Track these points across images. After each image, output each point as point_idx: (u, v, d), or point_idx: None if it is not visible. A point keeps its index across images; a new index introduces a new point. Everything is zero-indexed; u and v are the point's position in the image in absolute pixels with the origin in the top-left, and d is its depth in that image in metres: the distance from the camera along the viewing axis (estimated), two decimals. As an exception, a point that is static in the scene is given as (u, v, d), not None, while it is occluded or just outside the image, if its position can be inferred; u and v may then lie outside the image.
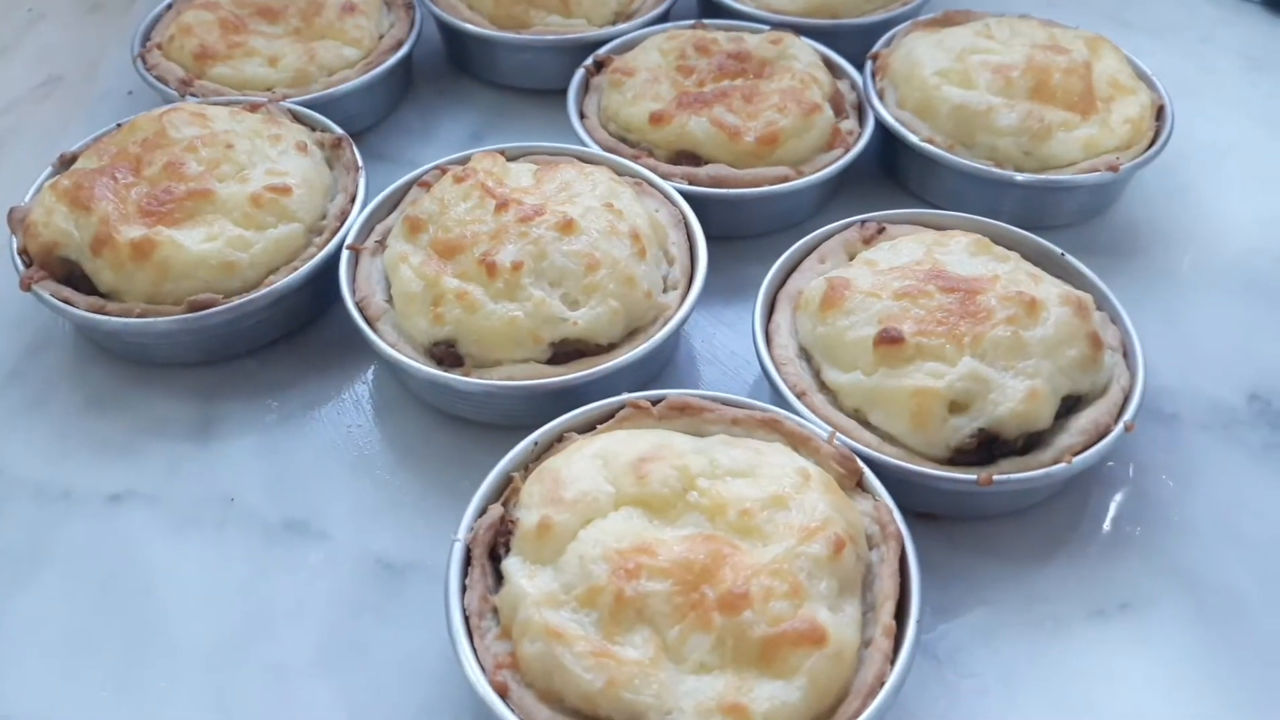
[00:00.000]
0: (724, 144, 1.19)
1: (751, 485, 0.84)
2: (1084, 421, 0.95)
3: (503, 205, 1.05)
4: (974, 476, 0.91)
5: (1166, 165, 1.27)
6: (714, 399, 0.94)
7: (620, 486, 0.84)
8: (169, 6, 1.42)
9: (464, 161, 1.15)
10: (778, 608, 0.75)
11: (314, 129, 1.23)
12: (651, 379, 1.08)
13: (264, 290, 1.04)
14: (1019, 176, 1.18)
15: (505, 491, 0.88)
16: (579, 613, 0.77)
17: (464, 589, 0.80)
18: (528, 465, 0.91)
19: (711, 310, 1.16)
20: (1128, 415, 0.95)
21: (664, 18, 1.41)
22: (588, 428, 0.93)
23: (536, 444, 0.91)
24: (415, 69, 1.45)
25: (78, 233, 1.05)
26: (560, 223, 1.03)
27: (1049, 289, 0.99)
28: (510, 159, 1.16)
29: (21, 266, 1.07)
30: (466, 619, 0.79)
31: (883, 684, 0.75)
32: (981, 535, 0.97)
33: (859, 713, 0.74)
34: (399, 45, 1.36)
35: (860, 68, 1.33)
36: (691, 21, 1.38)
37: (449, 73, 1.48)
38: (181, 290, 1.03)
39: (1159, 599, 0.93)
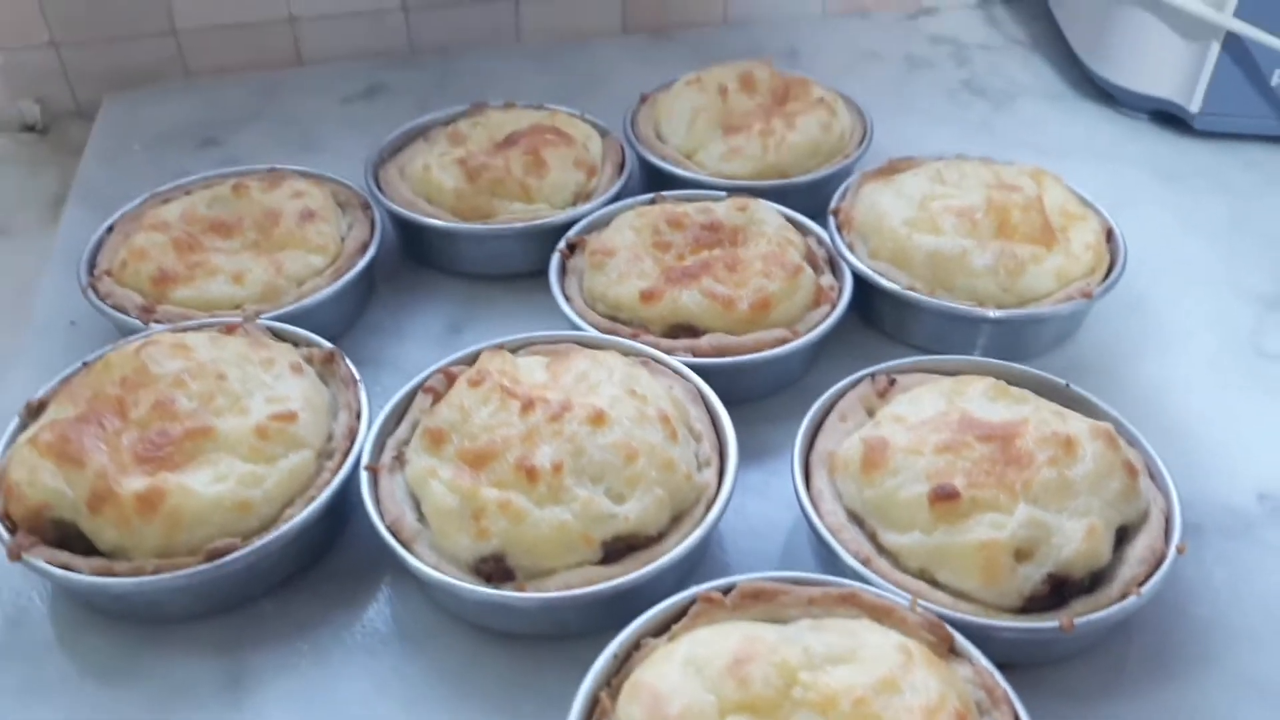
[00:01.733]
0: (718, 314, 1.20)
1: (856, 671, 0.82)
2: (1139, 550, 0.96)
3: (528, 405, 1.02)
4: (1055, 624, 0.91)
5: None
6: (784, 580, 0.92)
7: (721, 694, 0.81)
8: (109, 230, 1.36)
9: (470, 361, 1.12)
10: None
11: (297, 344, 1.18)
12: (699, 560, 1.06)
13: (286, 527, 0.98)
14: (999, 314, 1.23)
15: (594, 714, 0.84)
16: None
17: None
18: (610, 680, 0.86)
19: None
20: (1176, 537, 0.97)
21: (619, 196, 1.42)
22: (661, 629, 0.90)
23: (616, 656, 0.87)
24: (374, 268, 1.42)
25: (70, 491, 0.97)
26: (591, 415, 1.01)
27: (1076, 424, 1.02)
28: (512, 351, 1.15)
29: (4, 533, 0.98)
30: None
31: None
32: (1057, 678, 0.97)
33: None
34: (363, 247, 1.34)
35: (821, 223, 1.37)
36: (650, 196, 1.40)
37: (408, 268, 1.46)
38: (195, 539, 0.96)
39: (1242, 713, 0.94)
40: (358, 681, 0.97)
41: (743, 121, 1.51)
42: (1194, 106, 1.65)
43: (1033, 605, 0.94)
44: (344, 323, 1.34)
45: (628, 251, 1.27)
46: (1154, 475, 1.04)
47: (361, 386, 1.12)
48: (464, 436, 1.02)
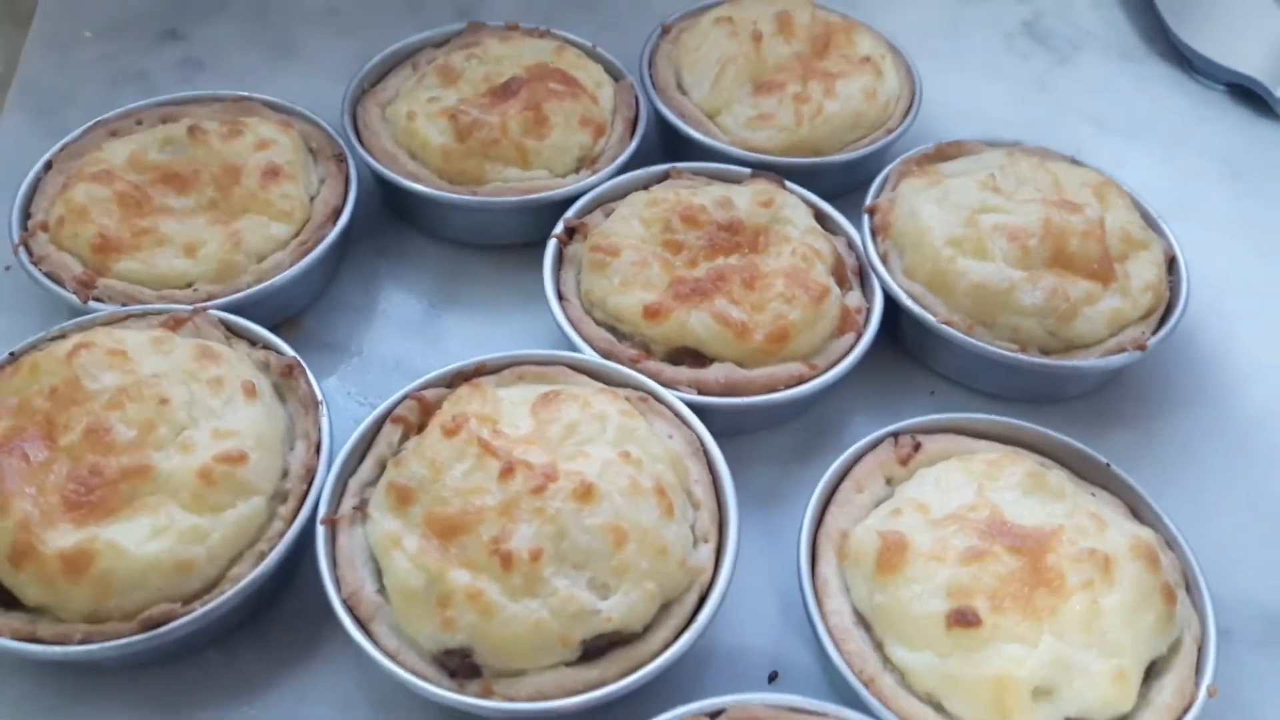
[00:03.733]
0: (730, 342, 1.07)
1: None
2: (1167, 695, 0.88)
3: (508, 471, 0.90)
4: (1068, 780, 0.83)
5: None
6: (777, 707, 0.83)
7: None
8: (48, 167, 1.20)
9: (447, 383, 1.00)
10: None
11: (254, 343, 1.05)
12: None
13: (231, 591, 0.88)
14: (1042, 362, 1.10)
15: None
16: None
17: None
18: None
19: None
20: (1208, 677, 0.89)
21: (628, 166, 1.26)
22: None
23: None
24: (351, 224, 1.27)
25: (-12, 537, 0.87)
26: (578, 490, 0.89)
27: (1116, 538, 0.92)
28: (493, 370, 1.02)
29: (-85, 572, 0.88)
30: None
31: None
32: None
33: None
34: (335, 212, 1.18)
35: (854, 214, 1.22)
36: (664, 169, 1.24)
37: (389, 227, 1.30)
38: (129, 603, 0.86)
39: None
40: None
41: (776, 76, 1.33)
42: (1278, 88, 1.47)
43: (1047, 751, 0.86)
44: (308, 297, 1.20)
45: (634, 253, 1.12)
46: (1191, 587, 0.95)
47: (324, 410, 1.00)
48: (434, 499, 0.90)
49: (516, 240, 1.25)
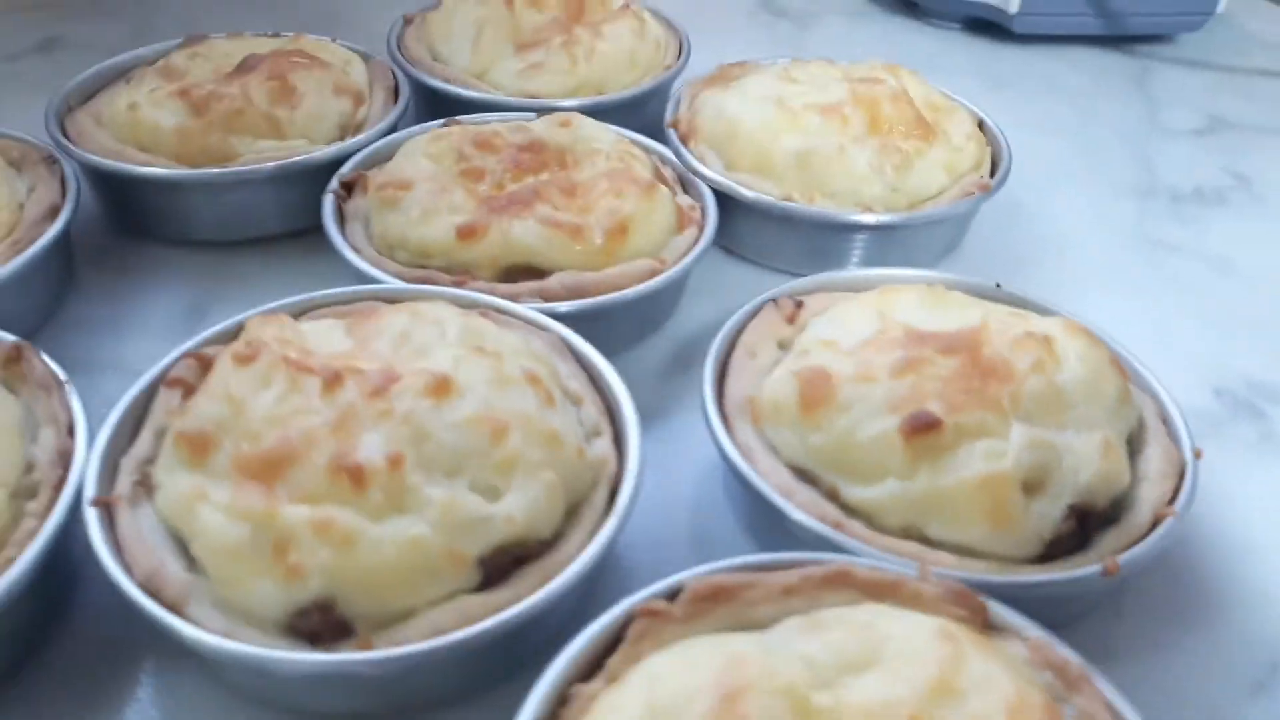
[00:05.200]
0: (564, 246, 0.92)
1: (888, 679, 0.57)
2: (1155, 463, 0.77)
3: (333, 381, 0.70)
4: (1097, 568, 0.69)
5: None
6: (746, 568, 0.66)
7: None
8: None
9: (230, 338, 0.78)
10: None
11: (-42, 349, 0.80)
12: (602, 570, 0.77)
13: (-34, 612, 0.61)
14: (895, 218, 1.02)
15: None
16: None
17: None
18: (533, 761, 0.57)
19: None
20: (1187, 442, 0.78)
21: (396, 127, 1.11)
22: (590, 670, 0.61)
23: (537, 720, 0.58)
24: (71, 244, 1.04)
25: None
26: (431, 385, 0.70)
27: (1042, 323, 0.82)
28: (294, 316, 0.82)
29: None
30: None
31: None
32: (1091, 636, 0.75)
33: None
34: (52, 211, 0.96)
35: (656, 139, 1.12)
36: (442, 121, 1.10)
37: (118, 243, 1.08)
38: None
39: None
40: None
41: (537, 37, 1.24)
42: (1012, 7, 1.53)
43: (1053, 550, 0.72)
44: (35, 316, 0.96)
45: (429, 184, 0.97)
46: (1133, 377, 0.85)
47: (71, 389, 0.76)
48: (241, 437, 0.68)
49: (281, 227, 1.07)
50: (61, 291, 1.00)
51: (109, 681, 0.70)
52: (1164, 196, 1.27)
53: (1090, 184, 1.29)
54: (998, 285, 0.92)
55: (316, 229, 0.97)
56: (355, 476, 0.65)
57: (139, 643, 0.71)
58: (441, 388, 0.70)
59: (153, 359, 0.78)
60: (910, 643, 0.58)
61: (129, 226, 1.09)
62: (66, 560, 0.72)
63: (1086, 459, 0.73)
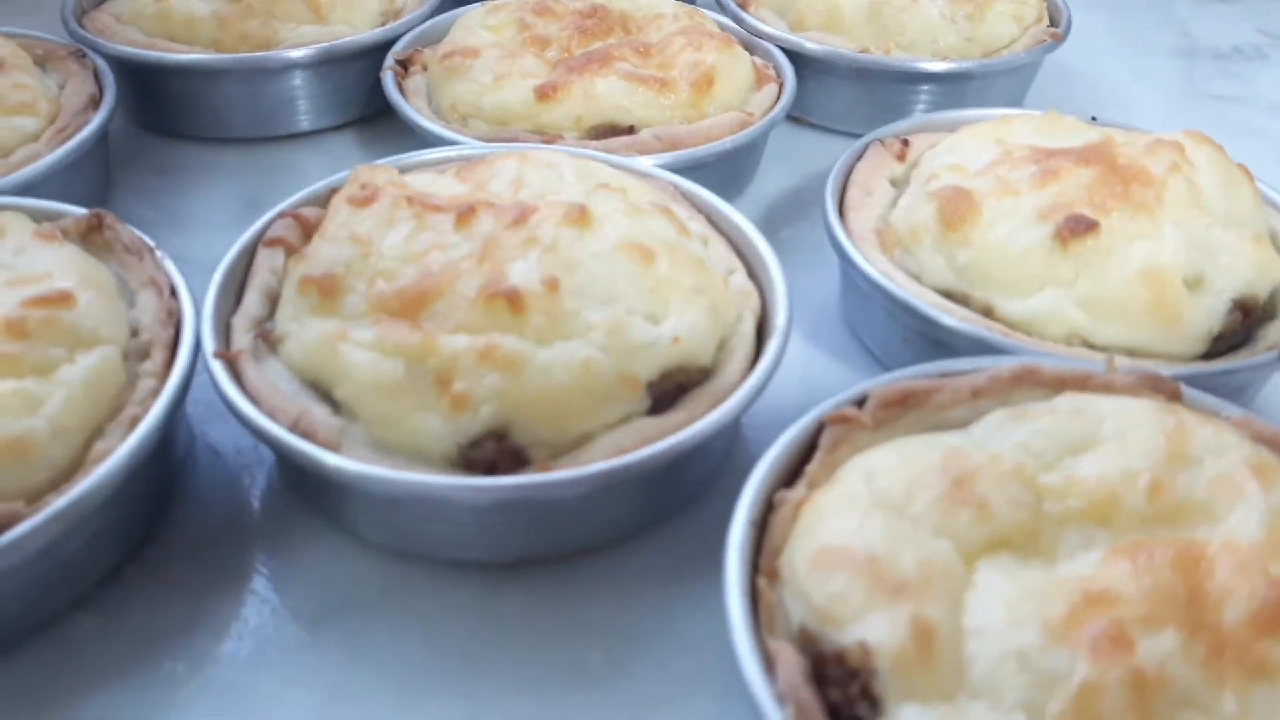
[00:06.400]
0: (650, 100, 0.88)
1: (1114, 454, 0.54)
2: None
3: (468, 213, 0.65)
4: (1275, 354, 0.67)
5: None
6: (929, 374, 0.62)
7: (959, 536, 0.50)
8: None
9: (324, 201, 0.73)
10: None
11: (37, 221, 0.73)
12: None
13: (100, 471, 0.55)
14: (974, 65, 0.99)
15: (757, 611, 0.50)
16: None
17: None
18: (757, 564, 0.53)
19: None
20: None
21: (435, 13, 1.05)
22: (790, 477, 0.57)
23: (752, 523, 0.54)
24: (114, 133, 0.97)
25: None
26: (570, 214, 0.65)
27: (1166, 134, 0.79)
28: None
29: None
30: None
31: None
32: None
33: None
34: (92, 101, 0.89)
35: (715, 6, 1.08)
36: (495, -1, 1.04)
37: (153, 142, 1.01)
38: (-68, 519, 0.52)
39: None
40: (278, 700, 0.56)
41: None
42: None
43: (1219, 346, 0.70)
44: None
45: (496, 50, 0.91)
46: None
47: (163, 253, 0.70)
48: (376, 276, 0.63)
49: (329, 121, 1.01)
50: (102, 194, 0.93)
51: (238, 561, 0.64)
52: (1205, 56, 1.26)
53: (1134, 48, 1.28)
54: (1094, 119, 0.89)
55: (358, 123, 0.92)
56: (514, 301, 0.60)
57: (249, 529, 0.65)
58: (581, 217, 0.66)
59: (216, 250, 0.72)
60: (1128, 420, 0.55)
61: (163, 125, 1.02)
62: (186, 427, 0.66)
63: (1240, 253, 0.71)
